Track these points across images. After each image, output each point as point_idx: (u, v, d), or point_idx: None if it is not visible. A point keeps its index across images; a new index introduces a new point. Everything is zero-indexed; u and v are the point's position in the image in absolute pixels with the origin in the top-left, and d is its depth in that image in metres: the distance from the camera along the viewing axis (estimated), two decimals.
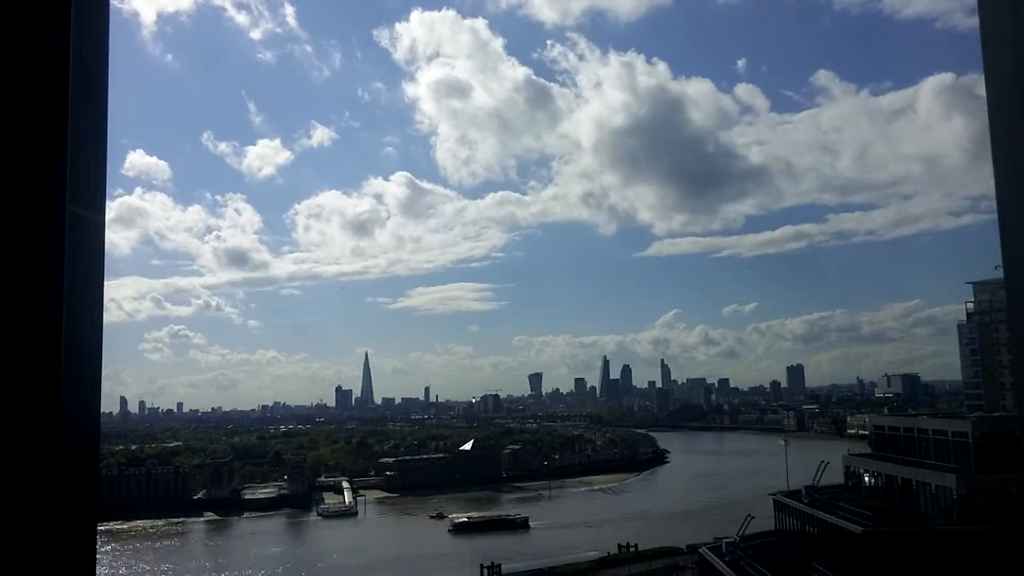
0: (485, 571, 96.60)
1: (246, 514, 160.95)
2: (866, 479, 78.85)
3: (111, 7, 2.68)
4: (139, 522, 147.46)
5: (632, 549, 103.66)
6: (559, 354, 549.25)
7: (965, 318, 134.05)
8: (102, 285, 2.57)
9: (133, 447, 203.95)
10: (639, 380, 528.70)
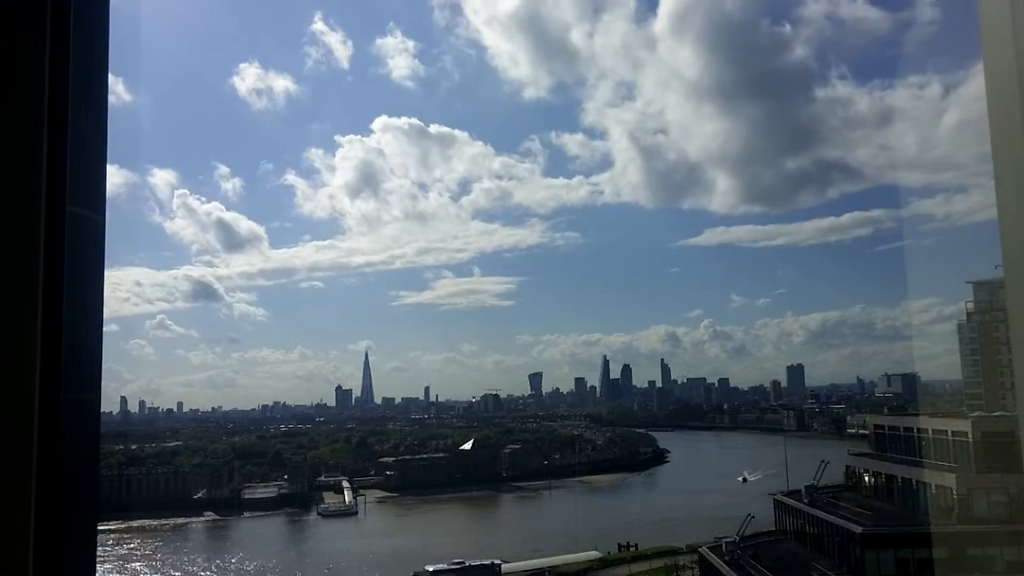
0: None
1: (246, 513, 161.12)
2: (866, 479, 78.93)
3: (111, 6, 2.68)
4: (139, 522, 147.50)
5: (632, 549, 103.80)
6: (561, 353, 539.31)
7: (965, 318, 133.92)
8: (102, 285, 2.56)
9: (133, 447, 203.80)
10: (639, 379, 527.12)
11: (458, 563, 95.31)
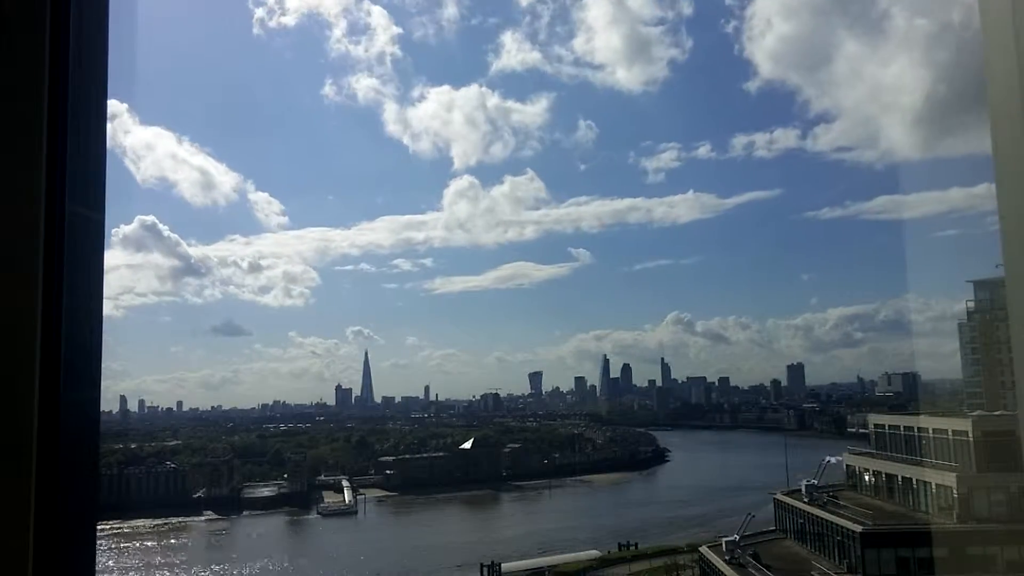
0: (485, 570, 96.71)
1: (245, 512, 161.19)
2: (866, 478, 78.93)
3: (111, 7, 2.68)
4: (138, 521, 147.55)
5: (632, 548, 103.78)
6: (566, 351, 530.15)
7: (966, 317, 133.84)
8: (102, 285, 2.57)
9: (132, 446, 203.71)
10: (640, 378, 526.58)
11: None
